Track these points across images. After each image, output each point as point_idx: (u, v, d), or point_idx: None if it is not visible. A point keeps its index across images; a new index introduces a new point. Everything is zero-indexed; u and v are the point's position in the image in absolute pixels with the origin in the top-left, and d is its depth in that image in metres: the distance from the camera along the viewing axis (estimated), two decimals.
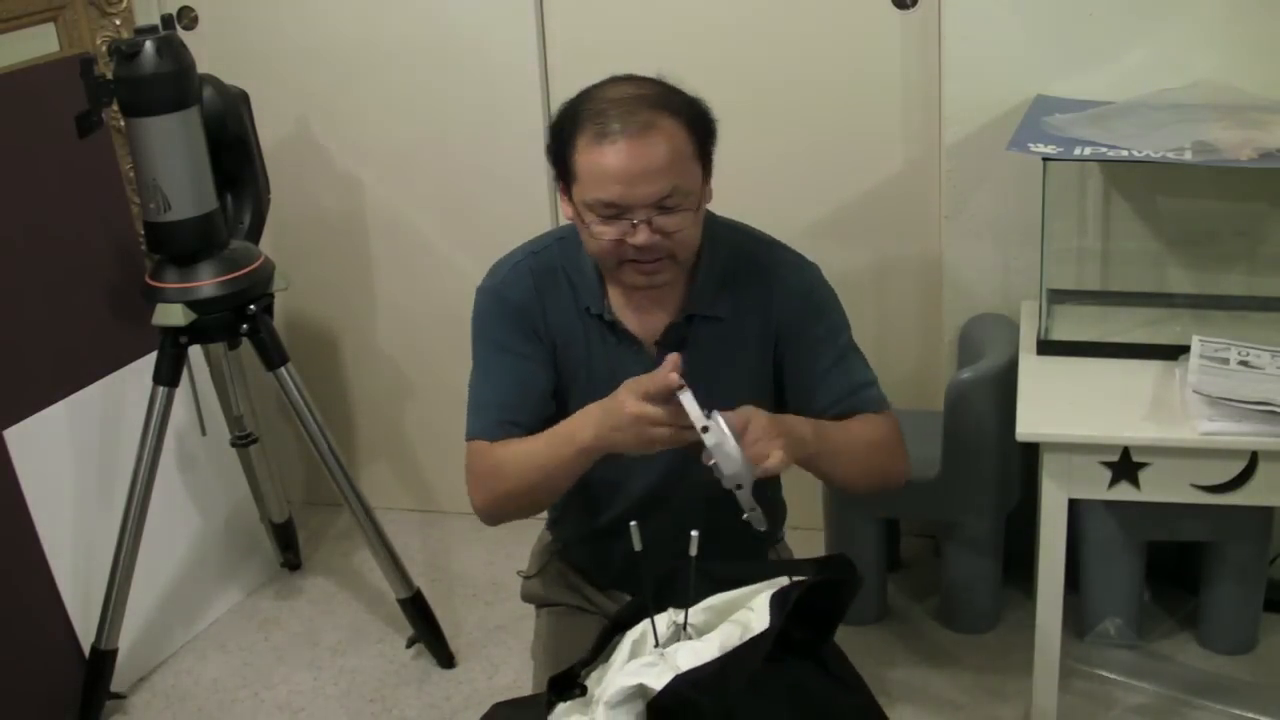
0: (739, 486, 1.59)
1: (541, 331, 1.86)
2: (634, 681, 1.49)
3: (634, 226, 1.71)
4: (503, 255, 1.94)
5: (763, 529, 1.64)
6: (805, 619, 1.50)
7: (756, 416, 1.65)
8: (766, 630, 1.46)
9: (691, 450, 1.62)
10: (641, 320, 1.85)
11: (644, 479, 1.89)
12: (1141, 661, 2.52)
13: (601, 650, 1.62)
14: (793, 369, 1.87)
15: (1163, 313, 2.41)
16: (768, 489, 1.80)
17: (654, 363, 1.83)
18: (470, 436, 1.85)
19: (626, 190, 1.69)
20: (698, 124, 1.76)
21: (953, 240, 2.63)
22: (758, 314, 1.86)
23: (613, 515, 1.92)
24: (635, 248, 1.73)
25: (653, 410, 1.62)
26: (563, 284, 1.86)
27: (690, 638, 1.55)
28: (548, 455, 1.75)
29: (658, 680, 1.47)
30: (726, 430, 1.59)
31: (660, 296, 1.84)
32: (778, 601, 1.48)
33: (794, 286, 1.86)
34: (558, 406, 1.89)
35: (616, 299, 1.85)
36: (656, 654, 1.55)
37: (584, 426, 1.71)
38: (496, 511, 1.83)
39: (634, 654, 1.57)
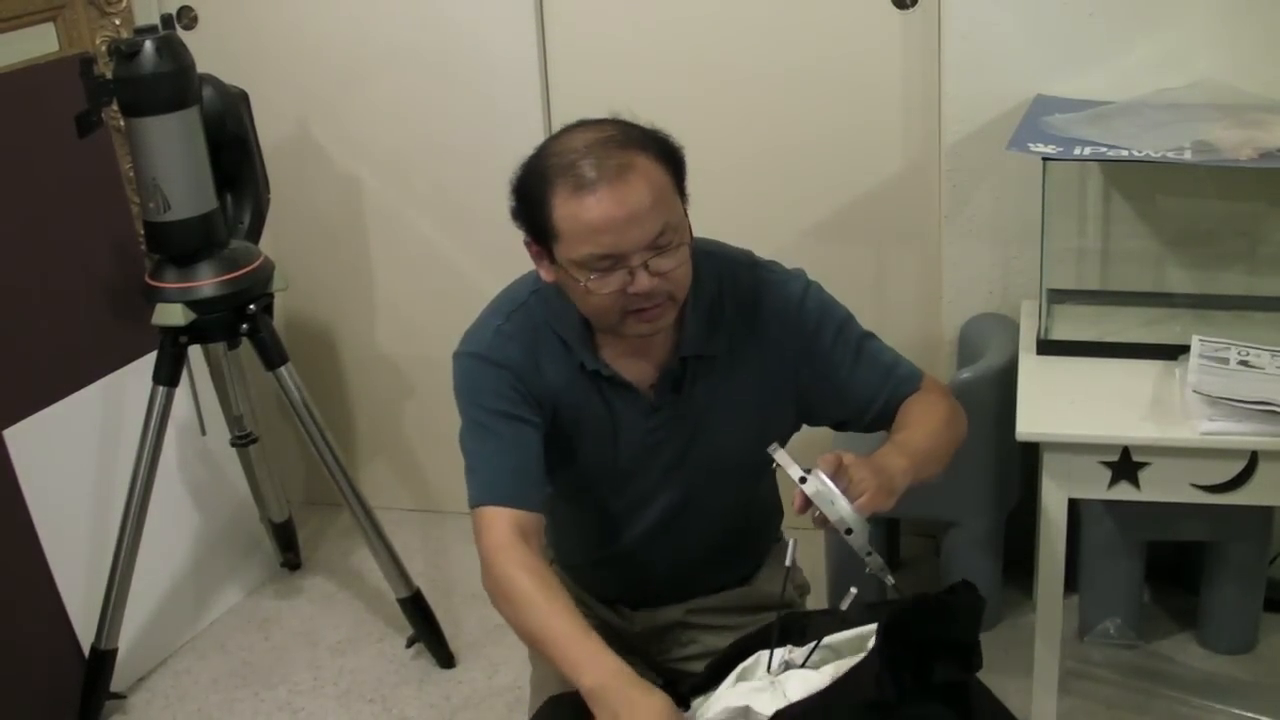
0: (849, 531, 1.53)
1: (538, 392, 1.76)
2: (741, 703, 1.47)
3: (632, 274, 1.62)
4: (472, 322, 1.82)
5: (889, 581, 1.59)
6: (944, 654, 1.46)
7: (846, 458, 1.58)
8: (869, 654, 1.42)
9: (817, 521, 1.57)
10: (636, 367, 1.78)
11: (649, 515, 1.85)
12: (1141, 661, 2.52)
13: (715, 676, 1.60)
14: (818, 384, 1.81)
15: (1163, 312, 2.41)
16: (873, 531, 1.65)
17: (652, 409, 1.78)
18: (476, 503, 1.72)
19: (618, 238, 1.60)
20: (668, 157, 1.67)
21: (952, 240, 2.63)
22: (753, 346, 1.79)
23: (618, 546, 1.88)
24: (637, 296, 1.64)
25: None
26: (552, 341, 1.77)
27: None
28: (552, 643, 1.60)
29: (765, 706, 1.45)
30: (826, 480, 1.54)
31: (652, 341, 1.75)
32: (883, 627, 1.44)
33: (782, 308, 1.79)
34: (561, 463, 1.82)
35: (609, 350, 1.77)
36: (767, 679, 1.52)
37: (595, 681, 1.55)
38: (494, 602, 1.71)
39: (741, 679, 1.56)
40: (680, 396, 1.78)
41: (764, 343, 1.79)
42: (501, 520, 1.69)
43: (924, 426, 1.77)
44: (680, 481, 1.83)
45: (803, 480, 1.52)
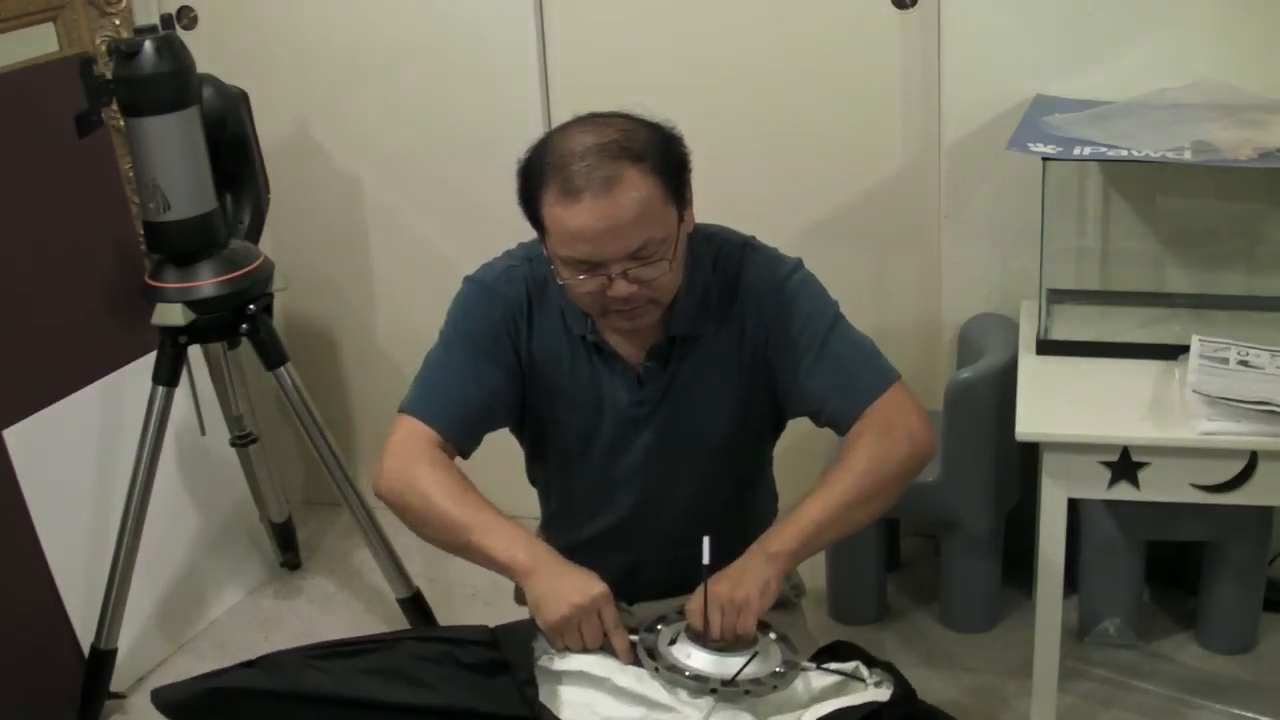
0: (713, 692, 1.54)
1: (521, 344, 1.81)
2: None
3: (611, 280, 1.65)
4: (497, 255, 1.89)
5: (806, 663, 1.62)
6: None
7: (714, 588, 1.61)
8: None
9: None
10: (626, 341, 1.81)
11: (631, 492, 1.87)
12: (1141, 661, 2.52)
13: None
14: (779, 375, 1.82)
15: (1162, 312, 2.41)
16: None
17: (639, 382, 1.81)
18: (407, 409, 1.77)
19: (597, 249, 1.63)
20: (666, 166, 1.67)
21: (952, 240, 2.63)
22: (734, 327, 1.81)
23: (602, 526, 1.89)
24: (615, 299, 1.67)
25: (610, 619, 1.61)
26: (551, 300, 1.81)
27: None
28: (475, 533, 1.66)
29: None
30: (692, 650, 1.58)
31: None
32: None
33: (762, 290, 1.80)
34: (537, 422, 1.85)
35: (602, 322, 1.80)
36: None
37: (532, 557, 1.64)
38: (392, 507, 1.74)
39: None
40: (666, 373, 1.80)
41: (743, 320, 1.81)
42: (422, 430, 1.74)
43: (836, 485, 1.72)
44: (664, 460, 1.84)
45: (657, 670, 1.57)
